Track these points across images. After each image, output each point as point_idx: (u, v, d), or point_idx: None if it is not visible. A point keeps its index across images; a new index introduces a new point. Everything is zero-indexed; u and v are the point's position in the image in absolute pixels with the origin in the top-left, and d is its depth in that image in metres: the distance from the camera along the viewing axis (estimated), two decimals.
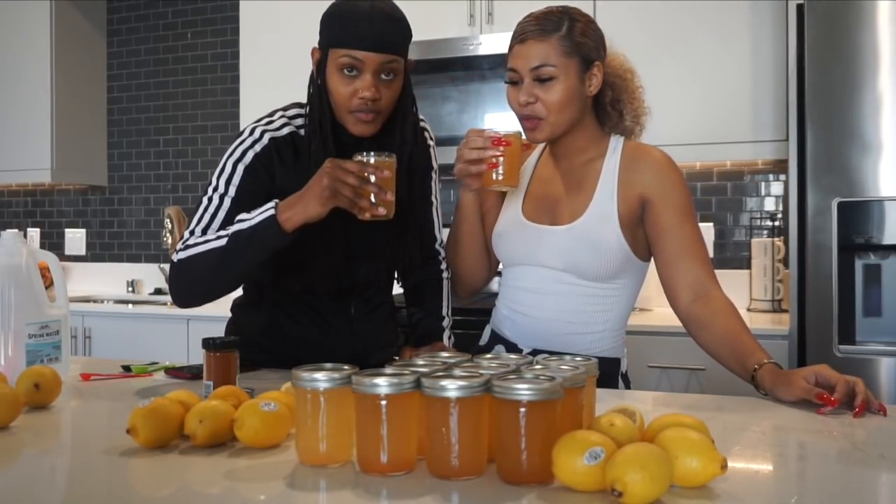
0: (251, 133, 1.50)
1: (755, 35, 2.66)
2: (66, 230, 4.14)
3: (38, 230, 4.19)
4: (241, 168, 1.47)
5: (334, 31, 1.45)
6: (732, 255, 3.03)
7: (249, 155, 1.48)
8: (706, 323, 1.43)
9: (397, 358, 1.66)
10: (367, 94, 1.43)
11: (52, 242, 4.15)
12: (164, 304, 3.57)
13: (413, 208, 1.59)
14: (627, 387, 1.58)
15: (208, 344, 1.24)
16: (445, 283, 1.71)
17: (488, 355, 1.09)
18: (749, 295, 2.85)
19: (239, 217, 1.40)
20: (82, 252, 4.09)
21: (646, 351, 2.44)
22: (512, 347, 1.55)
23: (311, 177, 1.37)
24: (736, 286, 2.73)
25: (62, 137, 3.75)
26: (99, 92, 4.02)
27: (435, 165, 1.71)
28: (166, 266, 3.78)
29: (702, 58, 2.71)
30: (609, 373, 1.49)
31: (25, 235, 3.91)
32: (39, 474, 0.96)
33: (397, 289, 1.72)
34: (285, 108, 1.57)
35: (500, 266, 1.65)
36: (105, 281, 4.00)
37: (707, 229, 2.99)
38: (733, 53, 2.68)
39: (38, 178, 3.81)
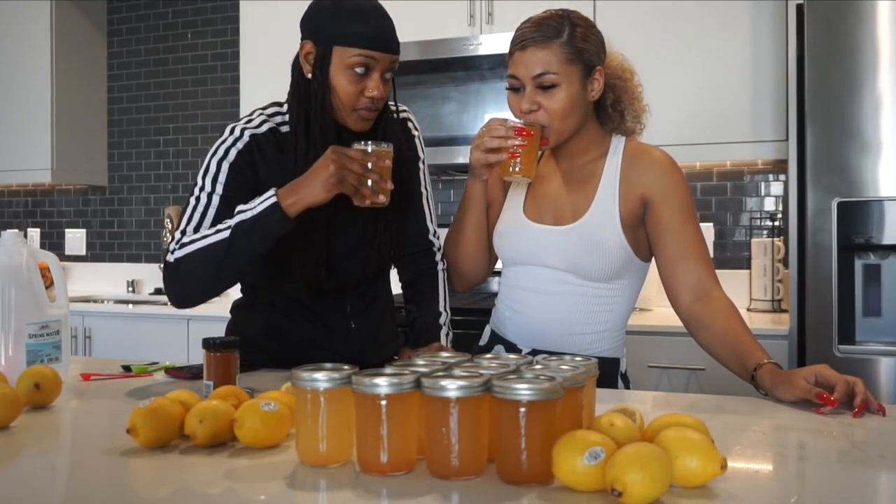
0: (231, 132, 1.52)
1: (755, 35, 2.66)
2: (67, 230, 4.14)
3: (38, 230, 4.19)
4: (225, 166, 1.48)
5: (341, 28, 1.44)
6: (732, 255, 3.04)
7: (233, 152, 1.49)
8: (707, 323, 1.43)
9: (396, 358, 1.66)
10: (375, 94, 1.45)
11: (53, 242, 4.16)
12: (165, 304, 3.56)
13: (399, 198, 1.60)
14: (627, 387, 1.58)
15: (208, 344, 1.24)
16: (441, 275, 1.69)
17: (488, 355, 1.08)
18: (749, 295, 2.85)
19: (239, 209, 1.40)
20: (82, 252, 4.10)
21: (646, 351, 2.44)
22: (511, 347, 1.55)
23: (296, 171, 1.40)
24: (736, 286, 2.73)
25: (62, 137, 3.75)
26: (99, 92, 4.02)
27: (422, 155, 1.70)
28: None
29: (702, 58, 2.71)
30: (608, 373, 1.49)
31: (25, 235, 3.91)
32: (39, 474, 0.96)
33: (397, 289, 1.72)
34: (264, 108, 1.58)
35: (500, 265, 1.64)
36: (105, 281, 4.01)
37: (707, 229, 2.99)
38: (733, 53, 2.68)
39: (39, 178, 3.81)
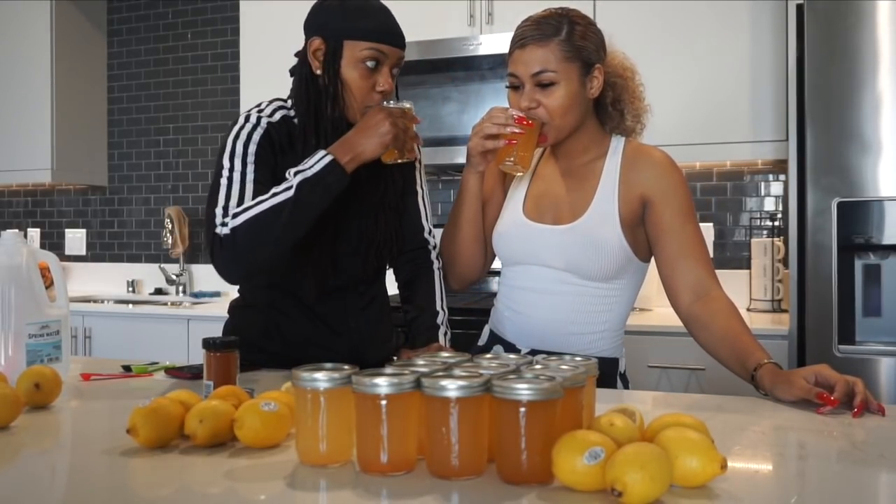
0: (247, 119, 1.51)
1: (755, 35, 2.66)
2: (67, 230, 4.14)
3: (38, 230, 4.19)
4: (252, 147, 1.48)
5: (351, 23, 1.47)
6: (732, 255, 3.04)
7: (255, 136, 1.50)
8: (707, 323, 1.43)
9: (396, 358, 1.66)
10: (385, 88, 1.49)
11: (53, 242, 4.15)
12: (165, 304, 3.57)
13: (399, 197, 1.62)
14: (626, 386, 1.58)
15: (208, 344, 1.24)
16: (437, 273, 1.69)
17: (488, 355, 1.08)
18: (749, 295, 2.85)
19: (294, 170, 1.41)
20: (82, 252, 4.09)
21: (645, 351, 2.44)
22: (510, 347, 1.55)
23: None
24: (736, 286, 2.73)
25: (62, 137, 3.75)
26: (99, 92, 4.02)
27: (419, 155, 1.71)
28: (167, 266, 3.79)
29: (702, 58, 2.71)
30: (607, 373, 1.49)
31: (25, 235, 3.91)
32: (39, 474, 0.96)
33: (393, 289, 1.72)
34: (269, 102, 1.58)
35: (499, 265, 1.64)
36: (105, 281, 4.01)
37: (707, 229, 2.99)
38: (733, 53, 2.68)
39: (39, 178, 3.81)
